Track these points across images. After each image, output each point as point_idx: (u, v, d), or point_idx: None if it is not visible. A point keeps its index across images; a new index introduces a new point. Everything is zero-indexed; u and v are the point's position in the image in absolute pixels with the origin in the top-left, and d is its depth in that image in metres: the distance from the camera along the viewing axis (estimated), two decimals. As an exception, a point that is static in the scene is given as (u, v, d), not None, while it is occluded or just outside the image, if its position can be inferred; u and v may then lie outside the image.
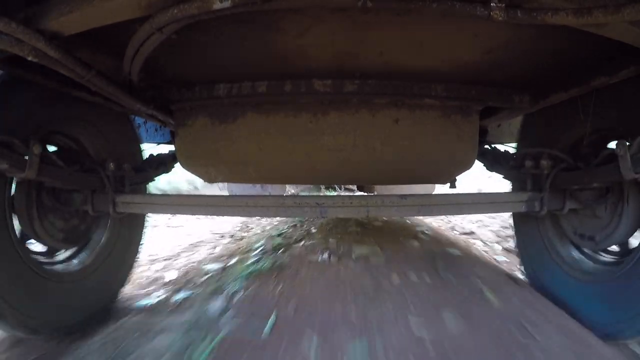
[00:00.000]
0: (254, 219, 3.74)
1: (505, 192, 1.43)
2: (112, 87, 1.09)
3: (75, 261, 1.34)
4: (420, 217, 3.21)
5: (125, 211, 1.35)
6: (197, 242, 2.81)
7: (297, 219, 2.87)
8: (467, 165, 1.56)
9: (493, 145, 1.66)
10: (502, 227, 3.09)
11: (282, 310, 1.21)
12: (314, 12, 0.90)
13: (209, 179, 1.64)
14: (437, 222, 3.39)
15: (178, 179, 5.99)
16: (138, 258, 1.66)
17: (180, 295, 1.45)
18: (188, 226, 3.53)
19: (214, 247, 2.59)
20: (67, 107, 1.25)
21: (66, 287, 1.25)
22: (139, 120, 1.88)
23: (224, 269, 1.78)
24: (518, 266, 1.68)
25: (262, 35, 1.01)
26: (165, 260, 2.23)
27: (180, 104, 1.43)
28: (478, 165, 1.62)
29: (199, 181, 6.55)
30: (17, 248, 1.09)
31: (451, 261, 1.72)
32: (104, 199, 1.33)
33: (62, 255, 1.34)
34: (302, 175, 1.79)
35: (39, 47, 0.82)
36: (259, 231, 3.02)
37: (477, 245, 2.54)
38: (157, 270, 1.98)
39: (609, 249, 1.27)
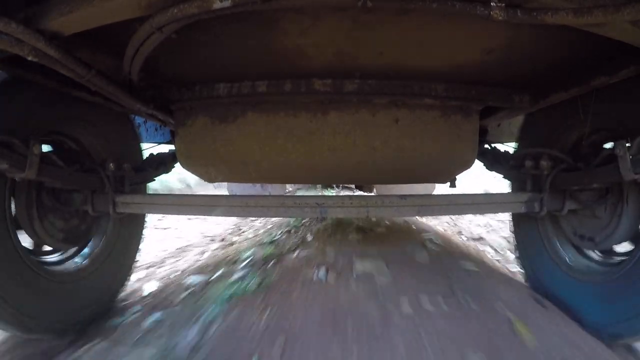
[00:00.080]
0: (247, 220, 3.60)
1: (505, 193, 1.43)
2: (112, 86, 1.09)
3: (75, 261, 1.34)
4: (426, 221, 3.10)
5: (125, 211, 1.36)
6: (185, 245, 2.66)
7: (292, 223, 2.70)
8: (467, 165, 1.56)
9: (493, 145, 1.66)
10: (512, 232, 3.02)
11: (266, 351, 1.03)
12: (314, 12, 0.90)
13: (209, 179, 1.64)
14: (442, 226, 3.23)
15: (170, 178, 5.93)
16: (138, 258, 1.66)
17: (154, 317, 1.31)
18: (178, 227, 3.36)
19: (202, 253, 2.43)
20: (67, 107, 1.25)
21: (66, 287, 1.25)
22: (139, 119, 1.88)
23: (207, 283, 1.61)
24: (519, 269, 1.65)
25: (262, 34, 1.01)
26: (148, 267, 2.07)
27: (180, 104, 1.43)
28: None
29: (191, 180, 6.54)
30: (17, 248, 1.09)
31: (467, 279, 1.51)
32: (104, 199, 1.33)
33: (62, 255, 1.33)
34: (302, 175, 1.79)
35: (39, 47, 0.82)
36: (250, 235, 2.83)
37: (489, 253, 2.44)
38: (139, 279, 1.83)
39: (608, 249, 1.27)
